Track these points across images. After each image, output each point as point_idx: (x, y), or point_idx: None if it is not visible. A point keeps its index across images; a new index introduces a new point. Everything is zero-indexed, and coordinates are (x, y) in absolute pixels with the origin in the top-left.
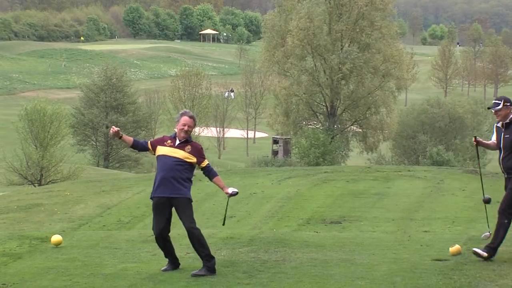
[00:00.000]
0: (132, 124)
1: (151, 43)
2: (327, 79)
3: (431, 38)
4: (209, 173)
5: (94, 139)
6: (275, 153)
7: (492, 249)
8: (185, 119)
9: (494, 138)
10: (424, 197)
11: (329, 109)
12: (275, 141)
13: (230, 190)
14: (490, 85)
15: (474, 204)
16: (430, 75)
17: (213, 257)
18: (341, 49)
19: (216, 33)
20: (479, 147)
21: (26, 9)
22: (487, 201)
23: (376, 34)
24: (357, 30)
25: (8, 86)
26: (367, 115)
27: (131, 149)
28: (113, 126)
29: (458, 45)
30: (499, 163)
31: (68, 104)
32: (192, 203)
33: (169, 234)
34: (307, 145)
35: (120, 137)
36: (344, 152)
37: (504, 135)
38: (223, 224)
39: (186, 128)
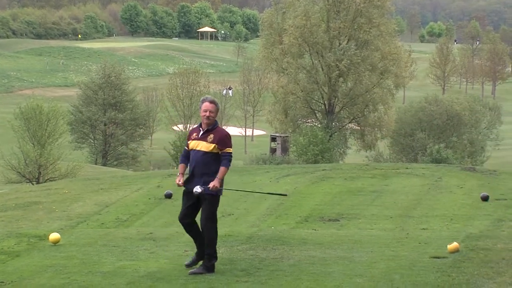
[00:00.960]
0: (130, 122)
1: (149, 41)
2: (324, 76)
3: (429, 35)
4: (221, 160)
5: (92, 136)
6: (273, 150)
7: None
8: (206, 105)
9: None
10: (422, 194)
11: (327, 107)
12: (273, 139)
13: (199, 188)
14: (488, 83)
15: (472, 202)
16: (428, 72)
17: (214, 258)
18: (339, 46)
19: (214, 31)
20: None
21: (24, 7)
22: (485, 199)
23: (374, 31)
24: (355, 27)
25: (6, 84)
26: (365, 113)
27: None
28: (178, 180)
29: (455, 43)
30: None
31: (66, 102)
32: (221, 196)
33: (195, 222)
34: (305, 142)
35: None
36: (342, 149)
37: None
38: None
39: (208, 114)
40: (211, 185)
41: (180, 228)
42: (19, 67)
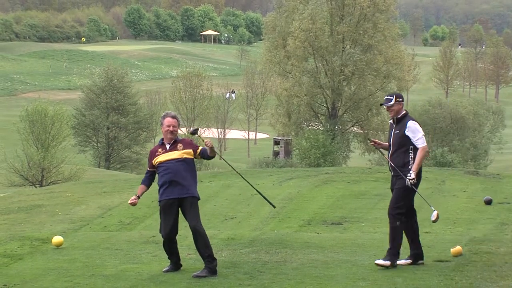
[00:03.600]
0: (133, 125)
1: (152, 44)
2: (328, 80)
3: (432, 39)
4: (203, 153)
5: (95, 140)
6: (276, 154)
7: (393, 255)
8: (168, 120)
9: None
10: (425, 198)
11: (330, 110)
12: (276, 142)
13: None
14: (491, 86)
15: (475, 205)
16: (431, 76)
17: (215, 259)
18: (343, 50)
19: (217, 34)
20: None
21: (27, 10)
22: (488, 202)
23: (379, 35)
24: (360, 31)
25: (9, 87)
26: (369, 116)
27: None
28: (132, 200)
29: (459, 46)
30: (388, 161)
31: (69, 105)
32: (199, 201)
33: (177, 236)
34: (307, 146)
35: (138, 198)
36: (345, 153)
37: (394, 131)
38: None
39: (171, 128)
40: (208, 143)
41: (183, 231)
42: (22, 70)
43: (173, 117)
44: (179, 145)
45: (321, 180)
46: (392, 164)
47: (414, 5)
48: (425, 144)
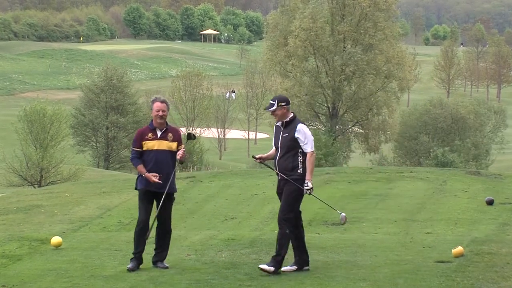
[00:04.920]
0: (133, 125)
1: (152, 43)
2: (329, 80)
3: (434, 38)
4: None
5: (95, 140)
6: None
7: (277, 262)
8: (158, 105)
9: (273, 141)
10: (426, 198)
11: (330, 110)
12: None
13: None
14: (493, 86)
15: (477, 206)
16: (432, 75)
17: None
18: (344, 50)
19: (217, 33)
20: (267, 162)
21: (26, 9)
22: (490, 202)
23: (380, 35)
24: (361, 31)
25: (7, 86)
26: (369, 116)
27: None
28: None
29: (461, 46)
30: (275, 164)
31: (68, 104)
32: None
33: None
34: None
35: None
36: (346, 153)
37: (282, 134)
38: None
39: (160, 113)
40: (180, 154)
41: (183, 231)
42: (21, 69)
43: (163, 101)
44: (170, 135)
45: (322, 180)
46: (277, 170)
47: (415, 4)
48: (314, 149)
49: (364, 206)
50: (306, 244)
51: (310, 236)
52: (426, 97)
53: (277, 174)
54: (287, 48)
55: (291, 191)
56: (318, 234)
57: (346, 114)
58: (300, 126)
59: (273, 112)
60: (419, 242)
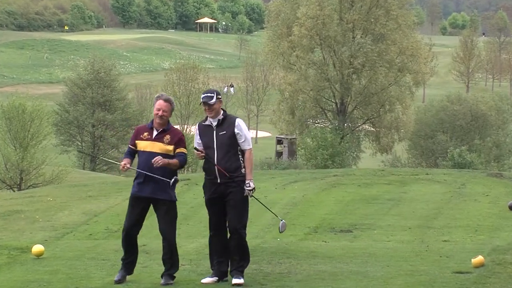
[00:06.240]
0: (121, 122)
1: (142, 33)
2: (337, 73)
3: (452, 27)
4: (176, 157)
5: (80, 139)
6: (279, 154)
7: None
8: (159, 103)
9: (199, 143)
10: (443, 203)
11: (338, 106)
12: (279, 141)
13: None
14: None
15: (499, 211)
16: (450, 68)
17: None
18: (353, 40)
19: (214, 22)
20: None
21: None
22: None
23: (392, 24)
24: (372, 19)
25: None
26: (381, 113)
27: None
28: (124, 163)
29: (483, 36)
30: (210, 168)
31: (51, 100)
32: (180, 203)
33: (138, 234)
34: (313, 146)
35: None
36: (355, 153)
37: (218, 132)
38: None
39: (160, 113)
40: (157, 161)
41: (177, 239)
42: None
43: (166, 100)
44: (166, 137)
45: (329, 183)
46: (223, 171)
47: None
48: (251, 146)
49: (375, 211)
50: (312, 253)
51: (316, 245)
52: (443, 92)
53: (216, 177)
54: (291, 38)
55: (240, 197)
56: (325, 242)
57: (355, 110)
58: (238, 121)
59: (210, 107)
60: (435, 251)
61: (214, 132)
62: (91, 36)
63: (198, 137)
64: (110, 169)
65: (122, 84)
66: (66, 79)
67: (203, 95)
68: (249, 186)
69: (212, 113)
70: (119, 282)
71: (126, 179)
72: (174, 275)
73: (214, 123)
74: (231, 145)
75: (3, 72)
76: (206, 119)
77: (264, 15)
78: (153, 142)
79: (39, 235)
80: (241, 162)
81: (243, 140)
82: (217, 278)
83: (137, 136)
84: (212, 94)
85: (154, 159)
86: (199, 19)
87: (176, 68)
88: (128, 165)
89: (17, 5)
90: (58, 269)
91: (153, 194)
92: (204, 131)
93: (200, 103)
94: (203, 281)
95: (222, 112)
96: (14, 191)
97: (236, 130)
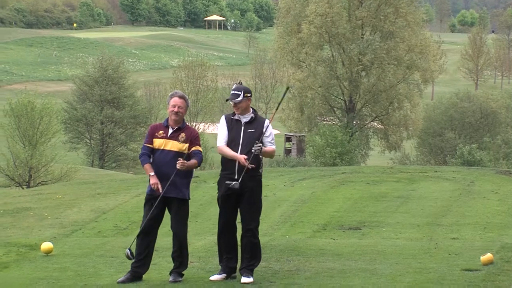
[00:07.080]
0: (130, 120)
1: (151, 30)
2: (346, 71)
3: (461, 25)
4: (193, 156)
5: (88, 136)
6: (287, 152)
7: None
8: (175, 100)
9: (225, 135)
10: (452, 200)
11: (347, 104)
12: (288, 139)
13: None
14: None
15: (508, 209)
16: (459, 65)
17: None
18: (362, 37)
19: (223, 20)
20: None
21: None
22: None
23: (401, 21)
24: (381, 17)
25: None
26: (389, 110)
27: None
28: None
29: (493, 33)
30: (233, 163)
31: (60, 97)
32: (189, 200)
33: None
34: (322, 143)
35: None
36: (363, 151)
37: (246, 129)
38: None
39: (176, 109)
40: (181, 164)
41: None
42: (8, 59)
43: (181, 97)
44: (181, 136)
45: (338, 181)
46: (236, 169)
47: None
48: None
49: (384, 209)
50: (320, 251)
51: (325, 242)
52: (452, 89)
53: (235, 172)
54: (300, 35)
55: (256, 197)
56: (334, 239)
57: (364, 108)
58: (267, 122)
59: (237, 104)
60: (444, 248)
61: (243, 128)
62: (100, 34)
63: (226, 128)
64: (118, 166)
65: (130, 82)
66: (75, 76)
67: (231, 92)
68: (259, 146)
69: (239, 110)
70: (122, 282)
71: (134, 177)
72: (183, 272)
73: (244, 120)
74: (254, 144)
75: (12, 69)
76: (234, 114)
77: (273, 13)
78: (168, 140)
79: (48, 233)
80: (261, 162)
81: (270, 139)
82: (225, 274)
83: (154, 133)
84: (239, 92)
85: (178, 163)
86: (207, 17)
87: (184, 65)
88: (159, 186)
89: (26, 2)
90: (67, 267)
91: (167, 193)
92: (232, 125)
93: (227, 100)
94: (212, 278)
95: (252, 110)
96: (23, 188)
97: (266, 131)
